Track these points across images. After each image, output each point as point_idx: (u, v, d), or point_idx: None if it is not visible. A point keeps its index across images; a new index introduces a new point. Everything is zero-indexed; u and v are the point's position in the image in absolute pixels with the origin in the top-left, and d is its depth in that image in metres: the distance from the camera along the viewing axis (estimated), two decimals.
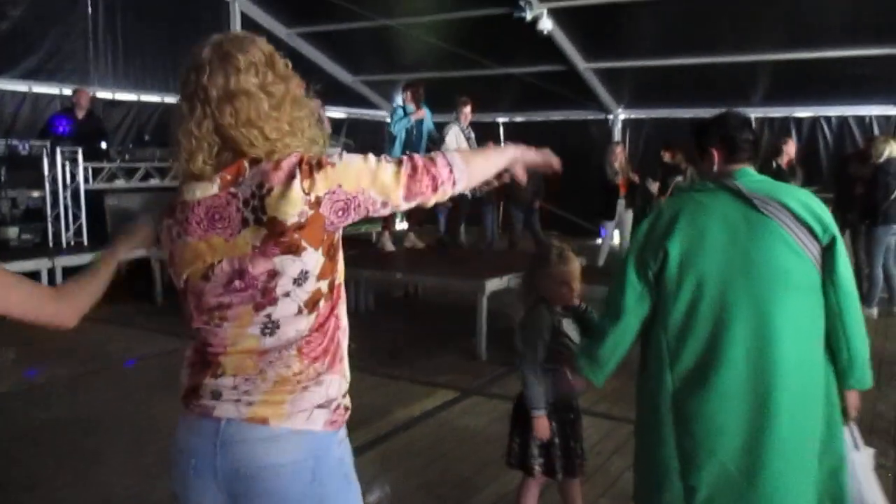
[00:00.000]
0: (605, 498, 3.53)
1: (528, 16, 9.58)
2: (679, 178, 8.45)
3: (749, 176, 2.19)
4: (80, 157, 7.92)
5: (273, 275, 1.55)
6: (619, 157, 9.23)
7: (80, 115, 8.41)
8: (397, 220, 9.15)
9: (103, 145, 8.45)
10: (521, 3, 9.52)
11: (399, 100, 8.28)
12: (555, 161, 1.87)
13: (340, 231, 1.63)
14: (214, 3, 11.00)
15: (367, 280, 7.31)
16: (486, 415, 4.66)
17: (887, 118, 10.55)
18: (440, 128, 7.81)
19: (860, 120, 10.75)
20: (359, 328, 6.65)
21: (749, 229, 2.08)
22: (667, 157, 8.95)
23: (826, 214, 2.10)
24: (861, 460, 2.22)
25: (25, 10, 8.69)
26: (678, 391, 2.17)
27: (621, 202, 9.31)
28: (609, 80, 11.87)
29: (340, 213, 1.56)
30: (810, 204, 2.09)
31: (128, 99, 9.85)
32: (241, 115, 1.55)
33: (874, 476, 2.28)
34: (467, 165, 1.70)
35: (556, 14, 9.87)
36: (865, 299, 7.32)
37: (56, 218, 7.87)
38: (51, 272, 7.00)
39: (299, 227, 1.51)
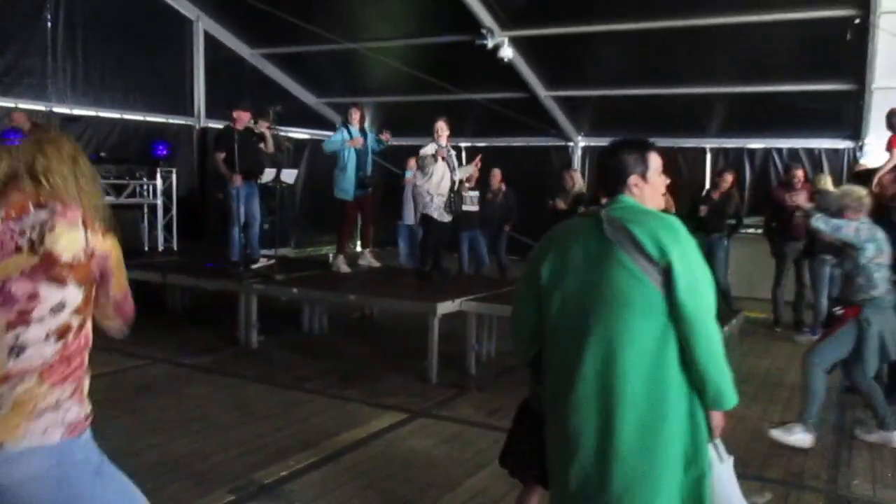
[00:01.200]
0: None
1: (490, 44, 9.73)
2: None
3: (618, 203, 2.30)
4: None
5: (33, 297, 1.77)
6: (569, 182, 9.31)
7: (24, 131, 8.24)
8: (351, 243, 9.16)
9: None
10: (483, 31, 9.68)
11: (342, 121, 8.29)
12: None
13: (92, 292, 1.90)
14: (178, 22, 10.98)
15: (321, 302, 7.30)
16: (434, 437, 4.67)
17: (835, 151, 10.87)
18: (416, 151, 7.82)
19: (810, 152, 11.06)
20: (312, 350, 6.68)
21: (599, 254, 2.22)
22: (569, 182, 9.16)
23: (670, 239, 2.14)
24: (725, 470, 2.41)
25: None
26: (550, 398, 2.37)
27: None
28: (569, 108, 12.07)
29: (99, 275, 1.89)
30: (656, 229, 2.16)
31: (86, 114, 9.76)
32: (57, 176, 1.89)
33: (736, 481, 2.48)
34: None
35: (516, 42, 10.04)
36: (810, 328, 7.49)
37: None
38: None
39: (70, 266, 1.80)
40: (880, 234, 4.45)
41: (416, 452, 4.40)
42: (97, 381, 5.76)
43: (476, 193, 9.51)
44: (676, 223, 2.23)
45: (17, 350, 1.76)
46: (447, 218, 7.29)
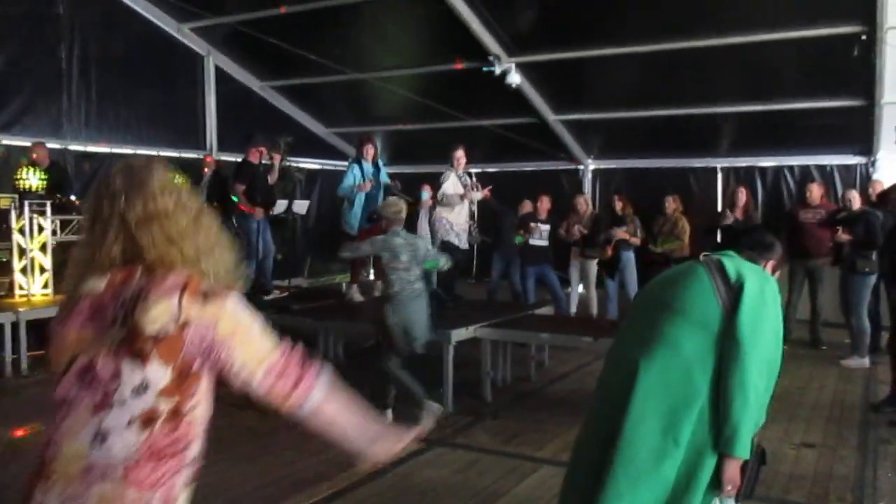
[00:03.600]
0: None
1: (498, 70, 9.81)
2: (620, 229, 8.60)
3: (727, 253, 2.41)
4: (48, 209, 7.91)
5: (115, 377, 1.52)
6: (582, 207, 9.37)
7: (43, 166, 8.35)
8: (364, 272, 9.17)
9: (73, 198, 8.43)
10: (491, 58, 9.76)
11: (355, 156, 8.32)
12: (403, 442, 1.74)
13: (206, 373, 1.60)
14: (189, 57, 11.14)
15: (336, 331, 7.30)
16: (450, 466, 4.64)
17: (847, 167, 10.82)
18: (427, 179, 7.89)
19: (822, 169, 11.00)
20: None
21: (679, 273, 2.41)
22: (617, 206, 9.08)
23: (752, 275, 2.25)
24: None
25: (2, 62, 8.77)
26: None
27: (576, 251, 9.36)
28: (578, 131, 12.10)
29: (206, 348, 1.55)
30: (742, 266, 2.30)
31: (100, 151, 9.88)
32: (160, 235, 1.61)
33: None
34: (326, 401, 1.68)
35: (524, 68, 10.11)
36: (857, 349, 7.22)
37: (23, 270, 7.81)
38: (14, 325, 6.92)
39: (155, 339, 1.51)
40: (395, 242, 5.39)
41: (433, 482, 4.37)
42: None
43: (547, 227, 8.93)
44: (766, 272, 2.38)
45: (100, 437, 1.50)
46: (466, 245, 7.33)
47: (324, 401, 1.68)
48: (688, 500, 2.11)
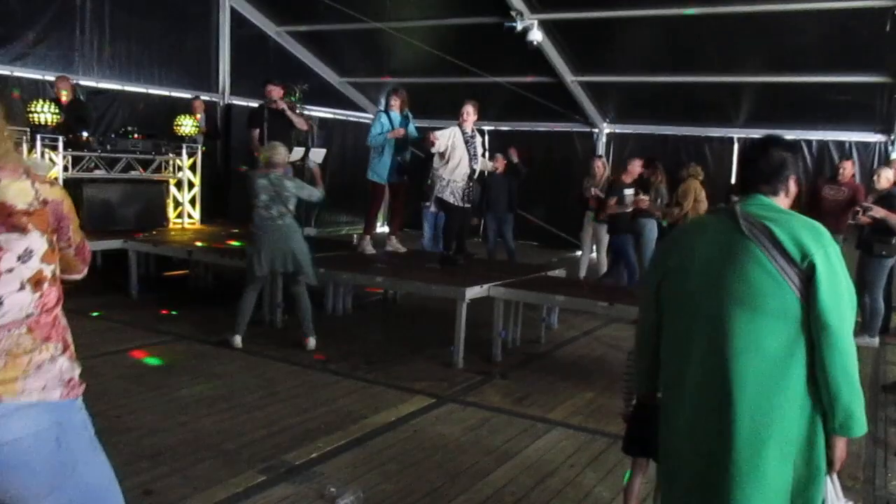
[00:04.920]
0: None
1: (519, 26, 9.63)
2: (629, 192, 8.39)
3: (755, 200, 2.18)
4: (60, 145, 7.81)
5: None
6: (600, 171, 9.24)
7: (63, 101, 8.29)
8: (378, 224, 9.10)
9: (84, 134, 8.33)
10: (513, 13, 9.56)
11: (383, 105, 8.18)
12: None
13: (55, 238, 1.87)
14: None
15: (347, 283, 7.27)
16: (461, 423, 4.64)
17: (865, 145, 10.70)
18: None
19: (839, 145, 10.90)
20: (336, 331, 6.66)
21: (730, 248, 2.10)
22: (644, 172, 8.87)
23: (815, 244, 2.02)
24: None
25: None
26: (665, 406, 2.28)
27: (590, 215, 9.24)
28: (595, 94, 11.94)
29: (56, 223, 1.86)
30: (799, 232, 2.05)
31: (112, 88, 9.74)
32: None
33: None
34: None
35: (546, 26, 9.93)
36: (868, 328, 7.11)
37: None
38: None
39: (27, 213, 1.76)
40: (258, 184, 5.94)
41: (444, 438, 4.38)
42: (121, 357, 5.76)
43: (630, 191, 8.36)
44: (819, 226, 2.10)
45: None
46: (461, 203, 7.17)
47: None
48: (814, 489, 2.07)
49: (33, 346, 1.78)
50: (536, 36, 9.77)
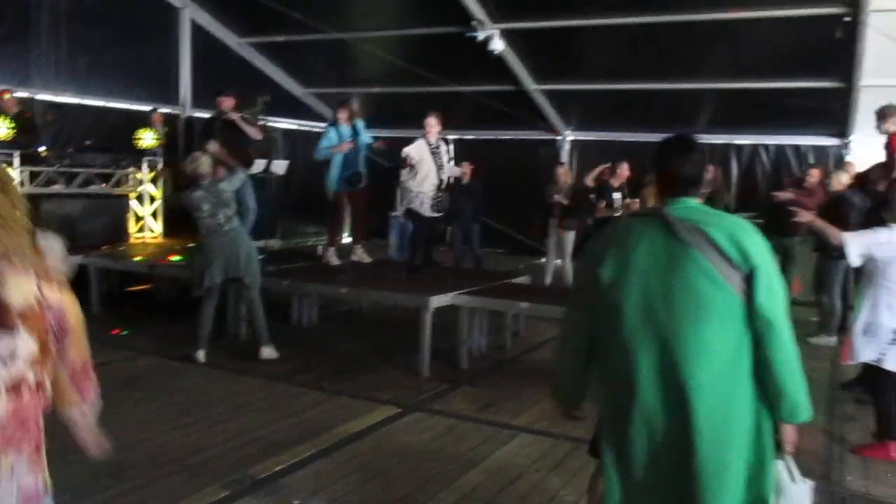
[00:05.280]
0: None
1: (480, 36, 9.67)
2: (618, 196, 8.48)
3: (682, 204, 2.19)
4: (16, 159, 7.68)
5: None
6: (561, 177, 9.34)
7: (10, 114, 8.07)
8: (344, 234, 9.07)
9: (42, 149, 8.19)
10: (473, 23, 9.62)
11: (331, 120, 8.20)
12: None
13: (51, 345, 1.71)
14: (164, 10, 10.82)
15: (312, 294, 7.24)
16: (428, 431, 4.65)
17: (822, 148, 10.95)
18: (404, 143, 7.74)
19: (796, 149, 11.14)
20: (302, 343, 6.62)
21: (669, 257, 2.10)
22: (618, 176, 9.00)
23: (752, 244, 2.07)
24: (799, 493, 2.24)
25: None
26: (608, 411, 2.24)
27: (554, 222, 9.32)
28: (558, 101, 12.05)
29: (57, 331, 1.71)
30: (735, 232, 2.09)
31: (69, 102, 9.59)
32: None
33: None
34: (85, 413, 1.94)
35: (508, 35, 9.99)
36: (826, 327, 7.32)
37: None
38: None
39: (22, 314, 1.62)
40: (195, 196, 5.98)
41: (411, 447, 4.38)
42: None
43: (619, 195, 8.47)
44: (751, 225, 2.14)
45: None
46: (430, 213, 7.24)
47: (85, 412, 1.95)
48: (766, 475, 2.12)
49: None
50: (498, 45, 9.82)
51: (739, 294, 2.05)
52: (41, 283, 1.67)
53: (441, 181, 7.19)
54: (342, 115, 7.73)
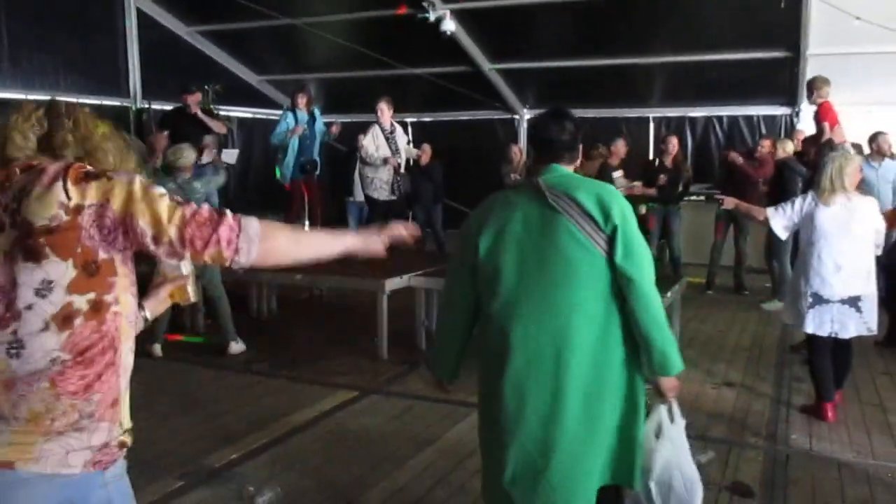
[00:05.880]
0: None
1: (432, 17, 9.61)
2: (618, 175, 8.52)
3: (554, 172, 2.28)
4: None
5: (13, 284, 1.43)
6: (516, 156, 9.39)
7: None
8: (302, 222, 9.03)
9: None
10: (424, 4, 9.57)
11: (289, 104, 8.17)
12: (403, 235, 1.94)
13: (121, 255, 1.53)
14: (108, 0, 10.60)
15: (269, 282, 7.21)
16: (384, 413, 4.68)
17: (773, 118, 11.12)
18: (361, 128, 7.73)
19: (748, 119, 11.30)
20: (261, 332, 6.60)
21: (542, 223, 2.20)
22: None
23: (614, 205, 2.16)
24: (675, 431, 2.42)
25: None
26: (485, 377, 2.34)
27: None
28: (513, 81, 12.06)
29: (106, 231, 1.48)
30: (600, 195, 2.18)
31: (14, 97, 9.38)
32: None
33: (686, 442, 2.47)
34: (265, 240, 1.55)
35: (459, 15, 9.95)
36: (777, 293, 7.54)
37: None
38: None
39: (47, 231, 1.43)
40: (167, 188, 5.59)
41: (367, 429, 4.41)
42: None
43: (620, 173, 8.51)
44: (613, 188, 2.26)
45: (17, 347, 1.42)
46: (387, 197, 7.28)
47: (265, 236, 1.56)
48: (636, 426, 2.25)
49: (57, 404, 1.44)
50: (450, 26, 9.78)
51: (604, 255, 2.14)
52: (68, 184, 1.45)
53: (399, 164, 7.22)
54: (301, 100, 7.70)
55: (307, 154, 7.62)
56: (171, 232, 1.50)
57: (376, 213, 7.42)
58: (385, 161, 7.15)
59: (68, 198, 1.44)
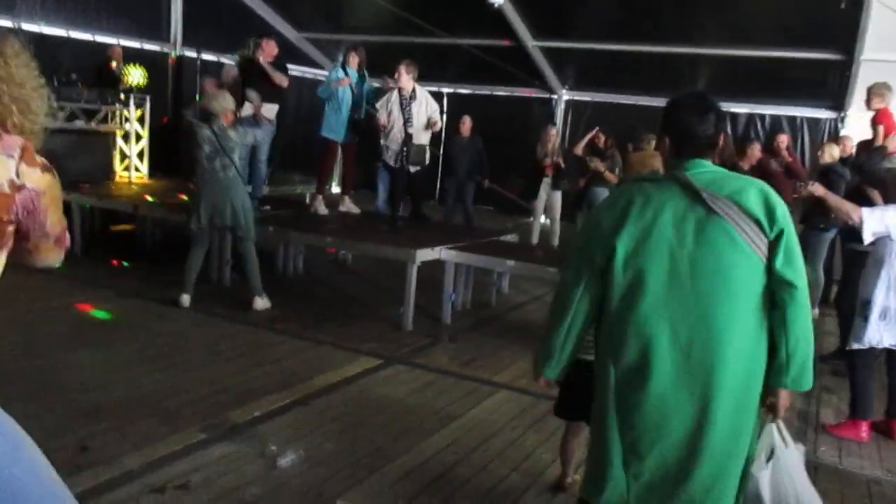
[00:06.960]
0: (516, 472, 3.55)
1: None
2: (599, 162, 8.42)
3: (701, 167, 2.11)
4: None
5: None
6: (551, 139, 9.25)
7: None
8: (332, 183, 8.99)
9: None
10: None
11: (341, 61, 8.05)
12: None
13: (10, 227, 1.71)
14: None
15: (297, 242, 7.18)
16: (407, 385, 4.65)
17: (816, 121, 10.90)
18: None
19: (791, 120, 11.08)
20: (286, 291, 6.57)
21: (697, 226, 2.03)
22: (600, 140, 8.98)
23: (779, 207, 2.02)
24: (791, 457, 2.22)
25: None
26: (620, 385, 2.15)
27: (546, 183, 9.27)
28: (556, 59, 11.89)
29: (25, 213, 1.69)
30: (766, 196, 2.03)
31: (56, 34, 9.35)
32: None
33: (804, 471, 2.28)
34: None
35: None
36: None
37: None
38: None
39: None
40: (201, 133, 5.72)
41: (389, 399, 4.38)
42: (61, 313, 5.60)
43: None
44: (770, 187, 2.09)
45: None
46: (399, 166, 7.21)
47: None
48: (755, 437, 2.15)
49: None
50: None
51: (764, 259, 2.01)
52: (21, 165, 1.66)
53: (410, 135, 7.12)
54: (353, 59, 7.58)
55: (358, 113, 7.54)
56: (56, 232, 1.83)
57: (397, 183, 7.36)
58: (384, 128, 7.08)
59: (18, 177, 1.65)
